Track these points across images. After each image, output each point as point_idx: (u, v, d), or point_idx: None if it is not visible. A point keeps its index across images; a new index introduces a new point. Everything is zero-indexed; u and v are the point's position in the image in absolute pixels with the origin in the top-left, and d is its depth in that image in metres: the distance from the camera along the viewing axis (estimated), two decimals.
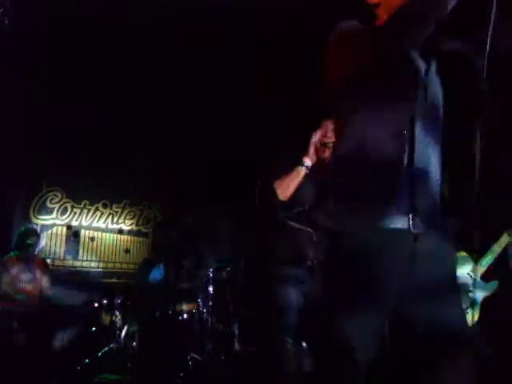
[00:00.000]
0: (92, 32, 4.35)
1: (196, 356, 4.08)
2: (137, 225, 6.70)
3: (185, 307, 4.51)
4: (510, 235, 3.09)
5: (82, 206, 6.36)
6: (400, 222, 1.32)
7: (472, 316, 2.91)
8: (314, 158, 2.72)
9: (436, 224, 1.35)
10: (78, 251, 6.20)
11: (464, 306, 2.90)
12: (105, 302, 4.69)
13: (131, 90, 5.03)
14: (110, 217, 6.54)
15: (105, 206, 6.52)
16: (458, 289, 1.44)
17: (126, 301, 4.63)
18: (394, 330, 1.33)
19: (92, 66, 4.72)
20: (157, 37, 4.44)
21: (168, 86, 5.06)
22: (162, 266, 5.09)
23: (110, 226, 6.52)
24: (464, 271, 2.99)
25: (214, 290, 4.40)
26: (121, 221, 6.59)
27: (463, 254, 3.07)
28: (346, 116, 1.45)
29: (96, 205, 6.46)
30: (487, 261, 3.03)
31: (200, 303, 4.41)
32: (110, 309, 4.58)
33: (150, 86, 5.03)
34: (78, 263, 6.17)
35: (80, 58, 4.62)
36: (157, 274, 5.30)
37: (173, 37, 4.45)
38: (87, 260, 6.26)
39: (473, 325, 2.90)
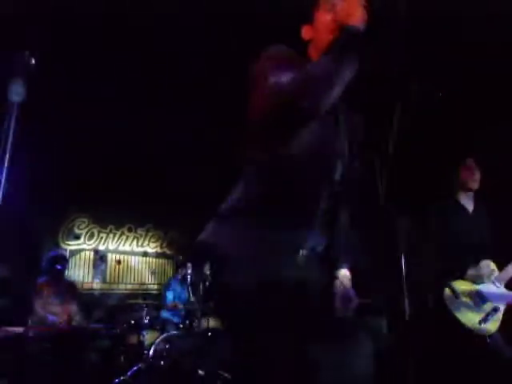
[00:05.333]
0: None
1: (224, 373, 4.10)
2: (161, 247, 6.88)
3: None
4: None
5: (108, 230, 6.53)
6: None
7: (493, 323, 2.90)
8: None
9: None
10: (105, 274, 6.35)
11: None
12: (132, 322, 4.79)
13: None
14: (135, 240, 6.71)
15: (130, 229, 6.70)
16: None
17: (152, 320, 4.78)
18: None
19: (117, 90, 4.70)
20: None
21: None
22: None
23: (136, 249, 6.70)
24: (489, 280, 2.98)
25: None
26: (145, 243, 6.77)
27: (490, 263, 3.06)
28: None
29: (121, 229, 6.64)
30: None
31: None
32: (137, 329, 4.69)
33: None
34: (105, 286, 6.30)
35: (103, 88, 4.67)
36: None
37: None
38: (114, 282, 6.39)
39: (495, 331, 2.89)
